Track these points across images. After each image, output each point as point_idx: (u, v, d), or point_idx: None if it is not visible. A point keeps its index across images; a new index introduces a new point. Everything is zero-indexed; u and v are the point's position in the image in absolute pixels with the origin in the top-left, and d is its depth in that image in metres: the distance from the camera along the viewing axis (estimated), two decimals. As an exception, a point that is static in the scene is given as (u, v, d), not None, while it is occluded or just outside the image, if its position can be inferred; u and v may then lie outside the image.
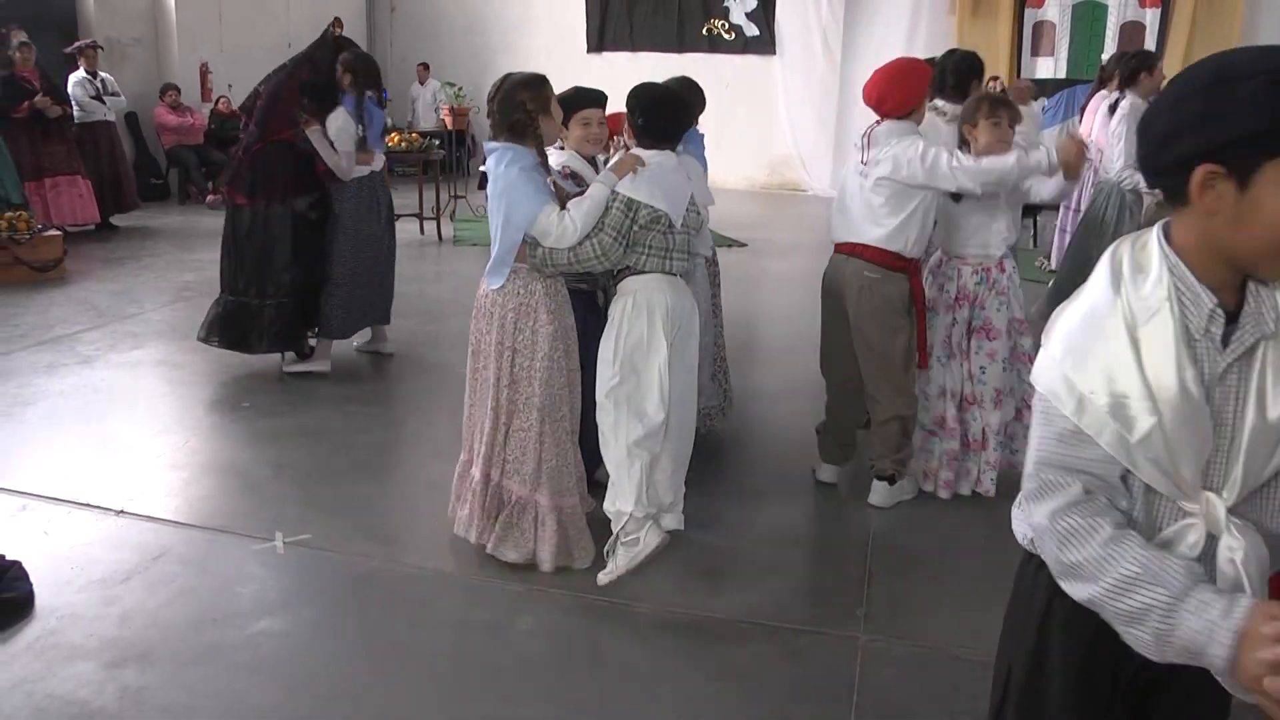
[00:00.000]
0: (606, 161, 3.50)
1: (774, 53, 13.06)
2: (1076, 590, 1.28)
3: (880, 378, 3.61)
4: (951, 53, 4.56)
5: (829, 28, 12.73)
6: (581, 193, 3.18)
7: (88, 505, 3.63)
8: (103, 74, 9.36)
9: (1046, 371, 1.32)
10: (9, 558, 3.09)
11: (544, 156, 3.16)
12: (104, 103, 9.22)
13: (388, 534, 3.50)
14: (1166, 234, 1.30)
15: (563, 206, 3.08)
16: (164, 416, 4.69)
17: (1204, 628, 1.13)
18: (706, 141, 4.17)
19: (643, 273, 3.12)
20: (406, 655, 2.78)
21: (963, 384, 3.74)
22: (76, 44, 9.34)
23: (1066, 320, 1.33)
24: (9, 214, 7.19)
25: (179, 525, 3.51)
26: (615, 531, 3.17)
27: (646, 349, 3.11)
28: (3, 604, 2.87)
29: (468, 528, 3.27)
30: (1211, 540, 1.26)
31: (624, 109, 3.35)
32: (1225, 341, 1.27)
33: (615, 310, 3.16)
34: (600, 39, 13.59)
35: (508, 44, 13.70)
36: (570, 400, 3.22)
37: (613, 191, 3.08)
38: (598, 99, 3.61)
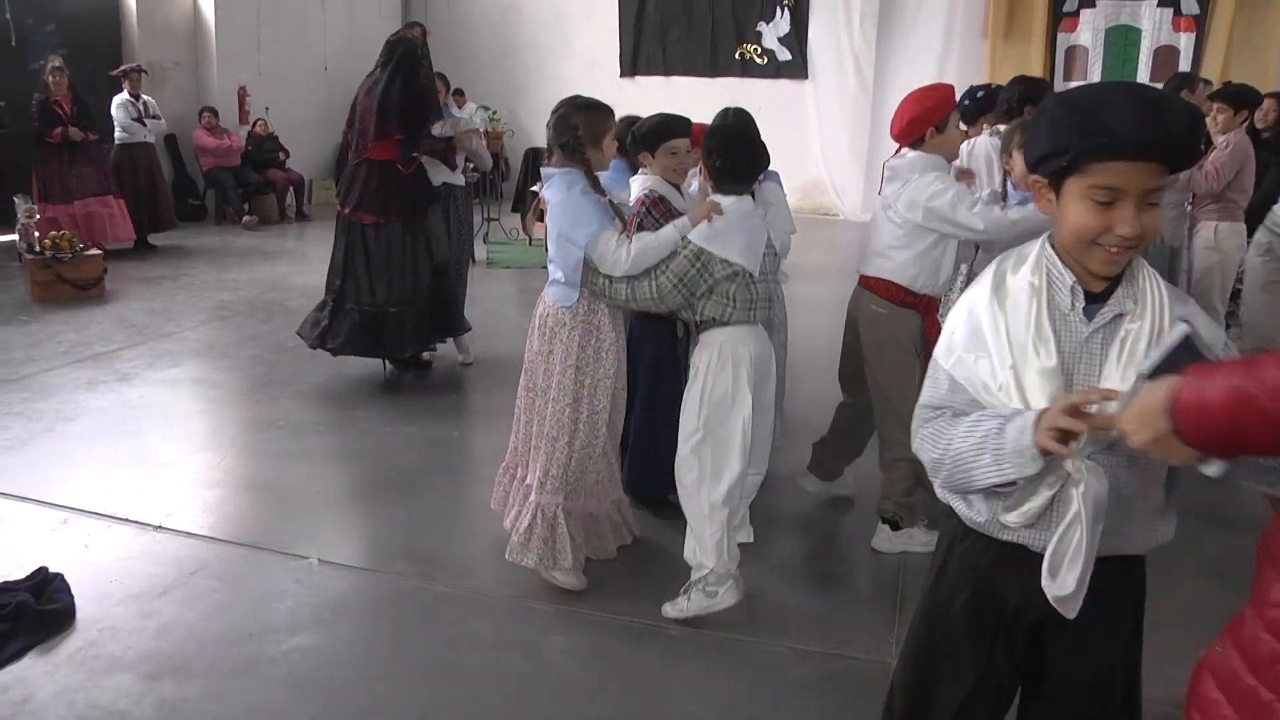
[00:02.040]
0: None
1: (806, 77, 13.10)
2: (948, 477, 1.60)
3: (888, 415, 3.51)
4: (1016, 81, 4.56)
5: (861, 52, 12.76)
6: (665, 219, 3.20)
7: (126, 520, 3.68)
8: (145, 97, 9.54)
9: (941, 342, 1.67)
10: (51, 570, 3.15)
11: (594, 180, 3.12)
12: (145, 125, 9.40)
13: (422, 553, 3.53)
14: (1050, 236, 1.62)
15: (624, 225, 3.12)
16: (200, 434, 4.75)
17: (1019, 425, 1.47)
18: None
19: (728, 324, 3.01)
20: (441, 673, 2.80)
21: None
22: (122, 68, 9.54)
23: (958, 305, 1.67)
24: (54, 233, 7.34)
25: (215, 541, 3.56)
26: (695, 579, 3.08)
27: (730, 403, 3.00)
28: (46, 615, 2.93)
29: (524, 551, 3.21)
30: (1068, 478, 1.52)
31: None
32: (1091, 316, 1.56)
33: (700, 362, 3.05)
34: (634, 63, 13.68)
35: (541, 68, 13.82)
36: (621, 416, 3.34)
37: (685, 239, 2.98)
38: (686, 128, 3.59)
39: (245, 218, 10.99)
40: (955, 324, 1.65)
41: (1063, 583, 1.49)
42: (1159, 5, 11.69)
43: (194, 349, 6.11)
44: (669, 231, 3.00)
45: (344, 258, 5.33)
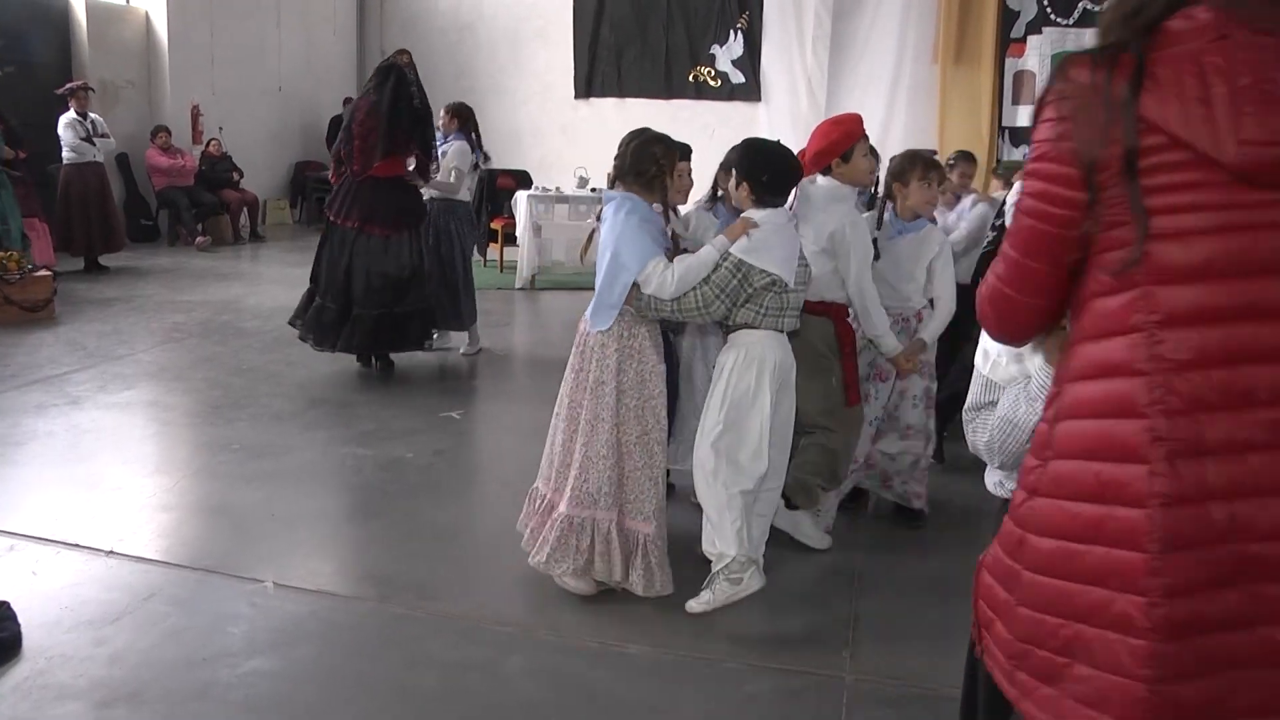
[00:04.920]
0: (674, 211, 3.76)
1: (759, 99, 13.23)
2: (1001, 445, 1.94)
3: (808, 403, 3.65)
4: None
5: (814, 75, 12.92)
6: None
7: (77, 546, 3.62)
8: (93, 115, 9.42)
9: (979, 354, 1.90)
10: (-2, 598, 3.10)
11: (667, 209, 3.42)
12: (94, 144, 9.28)
13: (379, 575, 3.51)
14: None
15: (679, 252, 3.30)
16: (154, 457, 4.70)
17: (1034, 368, 1.81)
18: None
19: (756, 329, 3.19)
20: (400, 695, 2.79)
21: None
22: (68, 85, 9.42)
23: None
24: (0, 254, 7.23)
25: (169, 566, 3.52)
26: (716, 569, 3.19)
27: (751, 402, 3.17)
28: (-8, 644, 2.87)
29: (579, 573, 3.26)
30: None
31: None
32: None
33: (726, 361, 3.24)
34: (588, 85, 13.73)
35: (497, 89, 13.85)
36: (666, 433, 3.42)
37: (725, 253, 3.15)
38: (686, 152, 3.81)
39: (199, 238, 10.88)
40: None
41: None
42: (1101, 32, 11.98)
43: (147, 371, 6.03)
44: (708, 251, 3.18)
45: (348, 266, 5.80)
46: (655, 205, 3.35)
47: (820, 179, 3.67)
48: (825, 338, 3.65)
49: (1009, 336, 1.72)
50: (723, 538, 3.17)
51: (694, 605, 3.18)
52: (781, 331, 3.23)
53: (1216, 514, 1.39)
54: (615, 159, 3.34)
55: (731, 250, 3.15)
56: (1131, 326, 1.46)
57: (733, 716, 2.75)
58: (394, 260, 5.84)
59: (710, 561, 3.24)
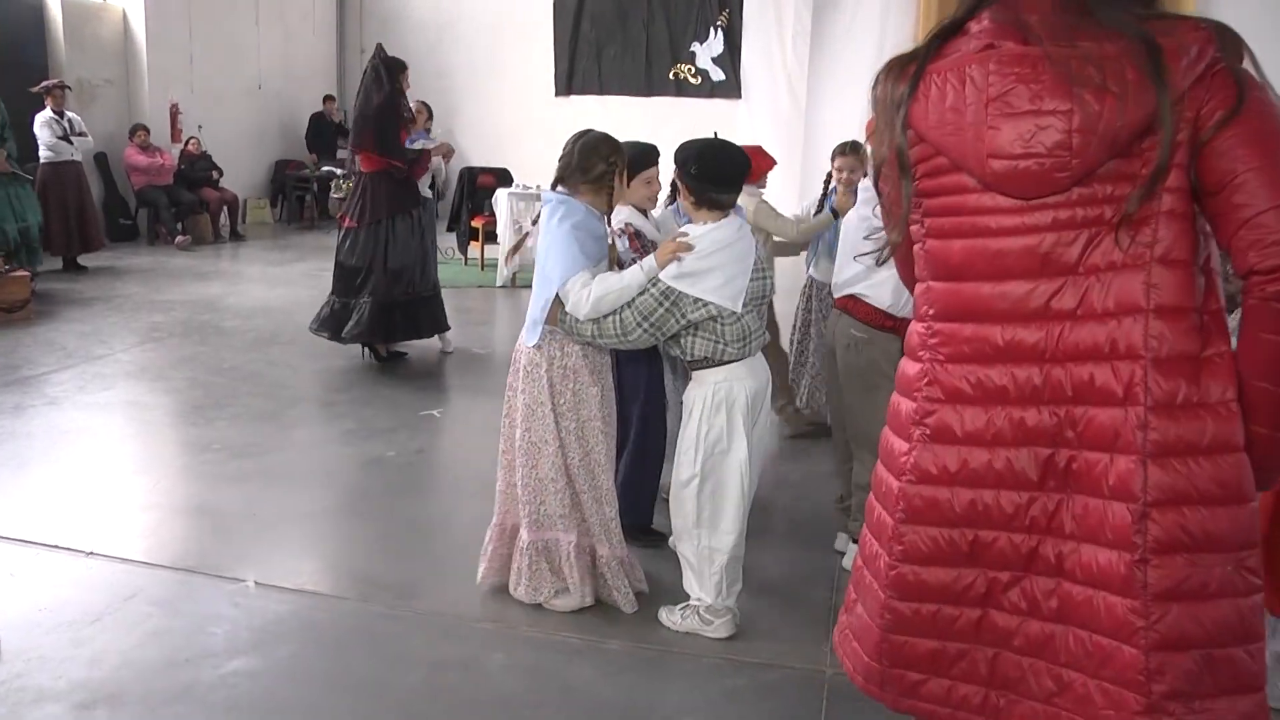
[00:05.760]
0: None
1: (740, 97, 13.25)
2: None
3: (862, 440, 3.47)
4: None
5: (794, 73, 12.94)
6: (640, 255, 3.20)
7: (56, 547, 3.62)
8: (69, 114, 9.35)
9: None
10: (-22, 600, 3.09)
11: (608, 214, 3.17)
12: (71, 143, 9.21)
13: (360, 574, 3.52)
14: None
15: (614, 265, 3.10)
16: (134, 458, 4.68)
17: None
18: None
19: (724, 364, 2.93)
20: (381, 693, 2.80)
21: None
22: (44, 84, 9.33)
23: None
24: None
25: (150, 566, 3.51)
26: (695, 605, 3.12)
27: (727, 446, 2.95)
28: (-29, 647, 2.87)
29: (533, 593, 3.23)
30: None
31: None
32: None
33: (694, 402, 2.99)
34: (569, 82, 13.73)
35: (477, 87, 13.82)
36: (613, 454, 3.28)
37: (655, 279, 2.88)
38: (653, 157, 3.63)
39: (178, 238, 10.81)
40: None
41: None
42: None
43: (126, 371, 6.01)
44: (633, 274, 2.91)
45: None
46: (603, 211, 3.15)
47: None
48: (891, 358, 3.20)
49: None
50: (703, 586, 3.09)
51: (664, 617, 3.16)
52: (751, 356, 2.97)
53: (959, 499, 1.52)
54: (560, 159, 3.10)
55: (660, 276, 2.87)
56: (921, 315, 1.63)
57: (712, 711, 2.78)
58: (343, 249, 6.11)
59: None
